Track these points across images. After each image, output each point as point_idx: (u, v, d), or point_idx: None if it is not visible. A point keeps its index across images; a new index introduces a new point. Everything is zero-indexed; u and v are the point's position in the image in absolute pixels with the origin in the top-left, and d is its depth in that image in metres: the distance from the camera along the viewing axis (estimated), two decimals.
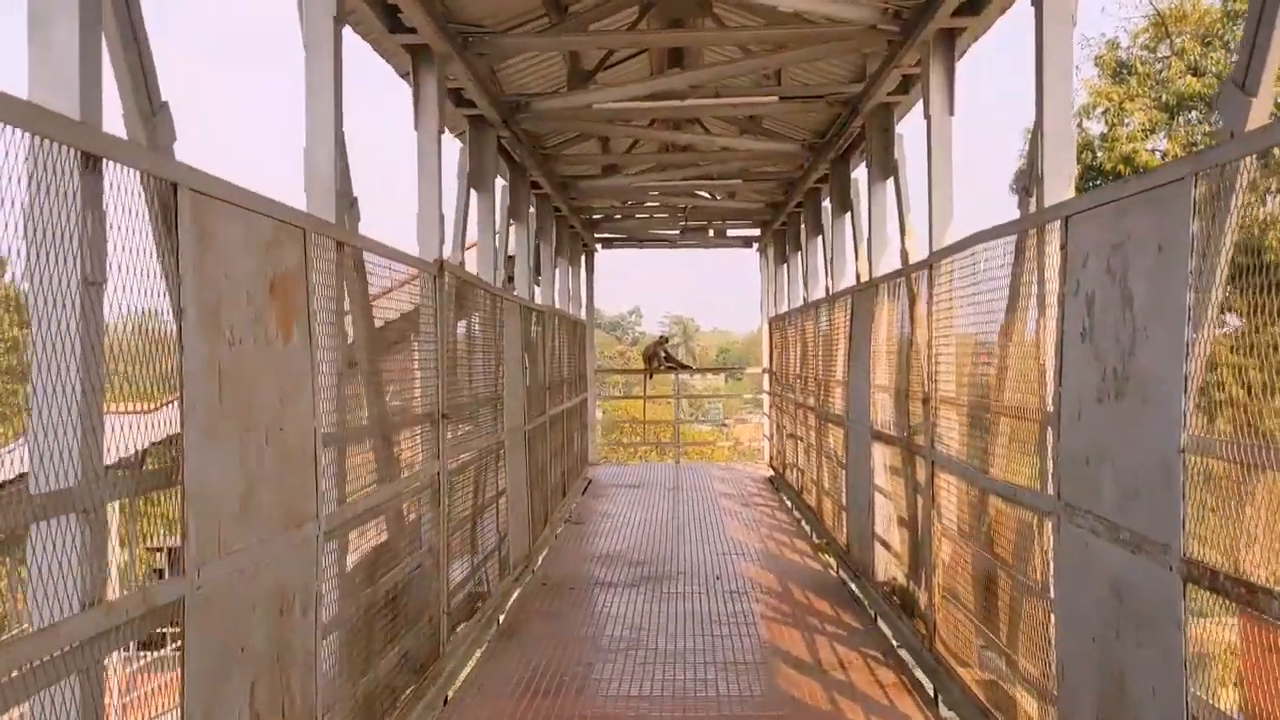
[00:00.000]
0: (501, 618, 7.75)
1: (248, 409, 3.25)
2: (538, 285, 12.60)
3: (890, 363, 7.49)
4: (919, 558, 6.55)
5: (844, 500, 9.16)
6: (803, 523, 12.11)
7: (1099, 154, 24.64)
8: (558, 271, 14.60)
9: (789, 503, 13.50)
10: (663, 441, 26.34)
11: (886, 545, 7.60)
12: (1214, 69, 24.62)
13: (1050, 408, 4.19)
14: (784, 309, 15.51)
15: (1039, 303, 4.41)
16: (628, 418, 25.84)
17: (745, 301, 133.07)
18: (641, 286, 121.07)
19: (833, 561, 9.79)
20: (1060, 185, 4.56)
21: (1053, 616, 4.14)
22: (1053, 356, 4.04)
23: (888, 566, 7.65)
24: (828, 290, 11.69)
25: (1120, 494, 3.36)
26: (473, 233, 8.61)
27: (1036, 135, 4.66)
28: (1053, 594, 4.15)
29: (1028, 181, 5.03)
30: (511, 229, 10.88)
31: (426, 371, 5.99)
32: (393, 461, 5.63)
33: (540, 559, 9.96)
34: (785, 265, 15.82)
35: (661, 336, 20.16)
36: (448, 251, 7.88)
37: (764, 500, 13.98)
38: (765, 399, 18.12)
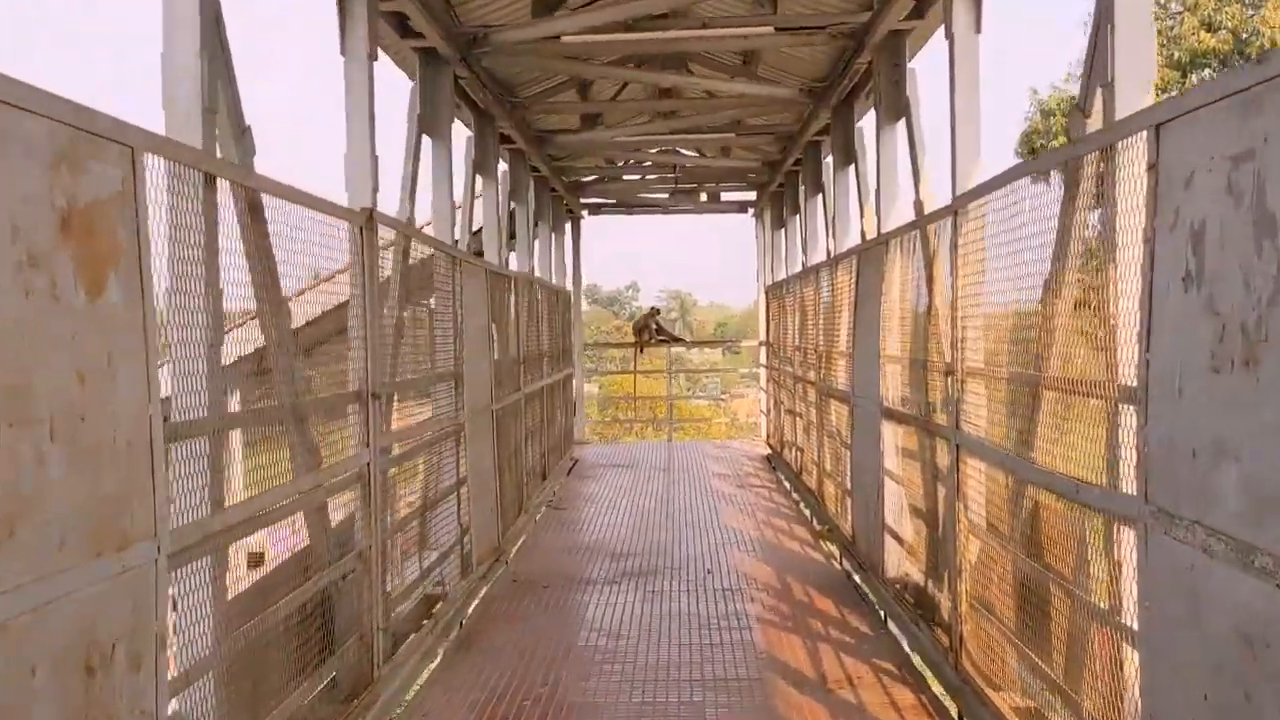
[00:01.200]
0: (462, 622, 6.81)
1: (11, 391, 2.27)
2: (512, 251, 11.59)
3: (904, 330, 6.52)
4: (939, 556, 5.60)
5: (849, 484, 8.21)
6: (801, 505, 11.18)
7: None
8: (538, 242, 13.59)
9: (787, 484, 12.56)
10: (657, 418, 25.42)
11: (899, 538, 6.65)
12: (1229, 24, 23.51)
13: (1128, 380, 3.22)
14: (781, 277, 14.51)
15: (1107, 244, 3.43)
16: (624, 393, 24.87)
17: (743, 276, 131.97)
18: (638, 261, 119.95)
19: (835, 551, 8.85)
20: (1137, 91, 3.56)
21: (1133, 653, 3.18)
22: (1135, 312, 3.06)
23: (900, 562, 6.71)
24: (829, 253, 10.69)
25: (1254, 501, 2.39)
26: (426, 187, 7.58)
27: (1103, 28, 3.65)
28: (1133, 624, 3.19)
29: (1082, 95, 4.03)
30: (480, 201, 9.85)
31: (354, 343, 5.02)
32: (310, 450, 4.68)
33: (513, 550, 9.01)
34: (783, 230, 14.80)
35: (653, 308, 19.06)
36: (393, 207, 6.89)
37: (760, 481, 13.04)
38: (762, 373, 17.16)
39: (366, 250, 4.97)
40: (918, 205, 6.67)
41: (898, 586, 6.70)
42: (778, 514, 10.72)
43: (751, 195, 17.15)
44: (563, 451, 13.87)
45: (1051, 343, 3.87)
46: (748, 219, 18.66)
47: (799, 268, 12.87)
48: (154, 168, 2.96)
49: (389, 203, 6.92)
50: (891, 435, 6.76)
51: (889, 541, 6.80)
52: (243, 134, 4.05)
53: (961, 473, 5.05)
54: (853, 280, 7.91)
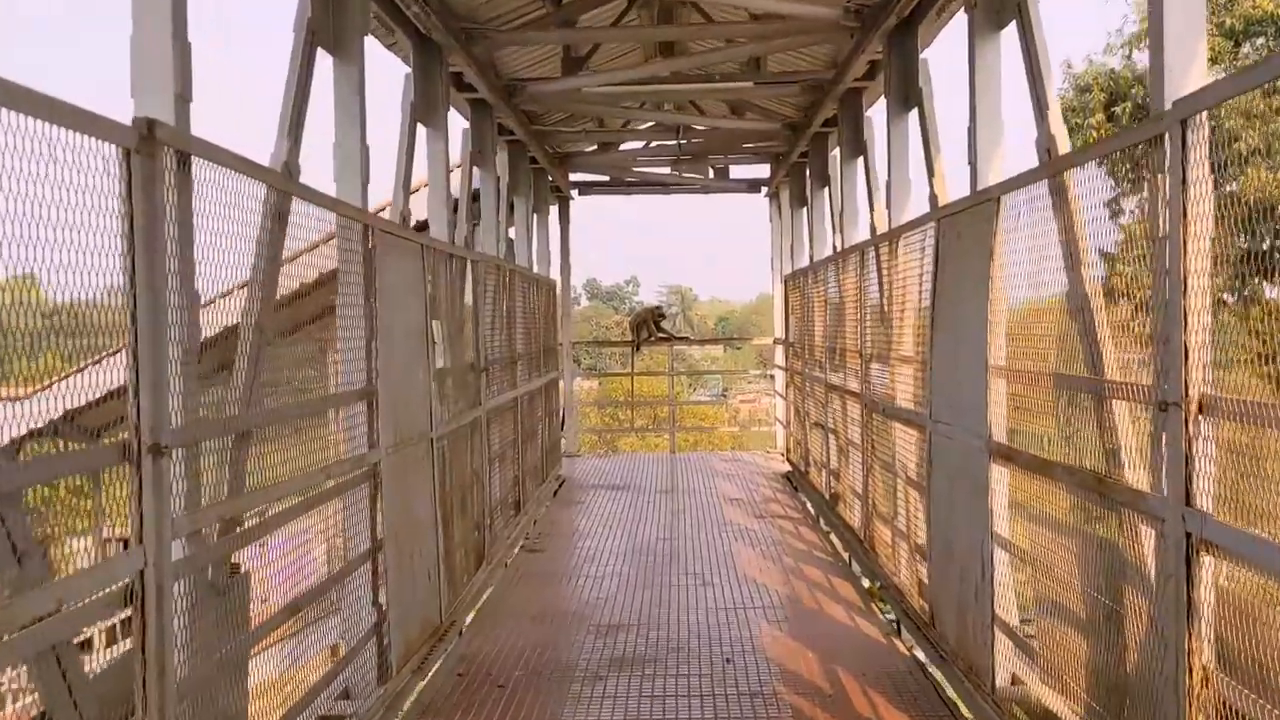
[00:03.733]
0: None
1: None
2: (477, 230, 9.40)
3: (1026, 329, 4.35)
4: (1131, 705, 3.42)
5: (922, 539, 6.02)
6: (834, 539, 9.05)
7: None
8: (515, 224, 11.40)
9: (814, 512, 10.39)
10: (658, 419, 23.31)
11: (1026, 648, 4.47)
12: None
13: None
14: (805, 263, 12.30)
15: None
16: (624, 392, 22.79)
17: (743, 268, 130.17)
18: (639, 255, 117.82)
19: (892, 616, 6.70)
20: None
21: None
22: None
23: (1025, 675, 4.53)
24: (874, 229, 8.50)
25: None
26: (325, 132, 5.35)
27: None
28: None
29: None
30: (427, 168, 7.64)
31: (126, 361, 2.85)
32: (22, 560, 2.54)
33: (469, 618, 6.85)
34: (805, 209, 12.58)
35: (657, 308, 16.91)
36: (264, 148, 4.69)
37: (782, 509, 10.85)
38: (779, 375, 14.95)
39: (139, 191, 2.79)
40: (1047, 141, 4.47)
41: (1011, 701, 4.54)
42: (809, 558, 8.54)
43: (764, 171, 14.93)
44: (545, 473, 11.68)
45: None
46: (757, 202, 16.46)
47: (828, 251, 10.68)
48: None
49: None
50: (1006, 485, 4.58)
51: (1000, 640, 4.62)
52: None
53: (1196, 578, 2.88)
54: (926, 260, 5.74)
